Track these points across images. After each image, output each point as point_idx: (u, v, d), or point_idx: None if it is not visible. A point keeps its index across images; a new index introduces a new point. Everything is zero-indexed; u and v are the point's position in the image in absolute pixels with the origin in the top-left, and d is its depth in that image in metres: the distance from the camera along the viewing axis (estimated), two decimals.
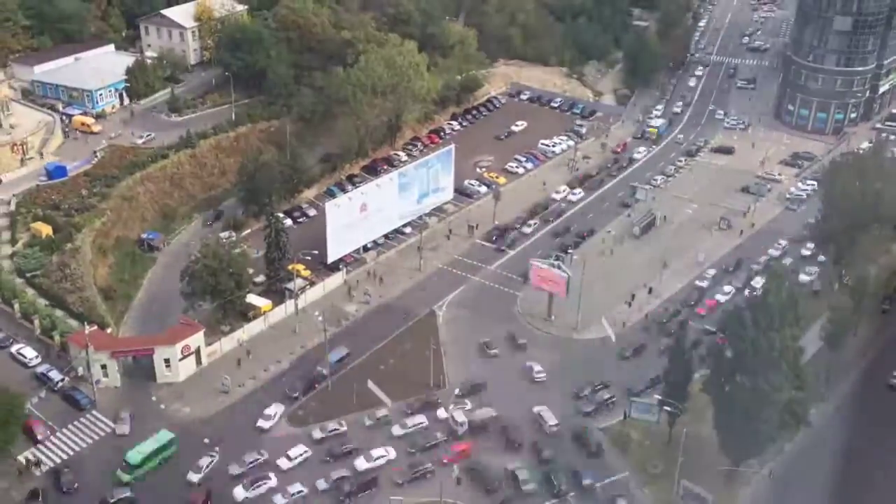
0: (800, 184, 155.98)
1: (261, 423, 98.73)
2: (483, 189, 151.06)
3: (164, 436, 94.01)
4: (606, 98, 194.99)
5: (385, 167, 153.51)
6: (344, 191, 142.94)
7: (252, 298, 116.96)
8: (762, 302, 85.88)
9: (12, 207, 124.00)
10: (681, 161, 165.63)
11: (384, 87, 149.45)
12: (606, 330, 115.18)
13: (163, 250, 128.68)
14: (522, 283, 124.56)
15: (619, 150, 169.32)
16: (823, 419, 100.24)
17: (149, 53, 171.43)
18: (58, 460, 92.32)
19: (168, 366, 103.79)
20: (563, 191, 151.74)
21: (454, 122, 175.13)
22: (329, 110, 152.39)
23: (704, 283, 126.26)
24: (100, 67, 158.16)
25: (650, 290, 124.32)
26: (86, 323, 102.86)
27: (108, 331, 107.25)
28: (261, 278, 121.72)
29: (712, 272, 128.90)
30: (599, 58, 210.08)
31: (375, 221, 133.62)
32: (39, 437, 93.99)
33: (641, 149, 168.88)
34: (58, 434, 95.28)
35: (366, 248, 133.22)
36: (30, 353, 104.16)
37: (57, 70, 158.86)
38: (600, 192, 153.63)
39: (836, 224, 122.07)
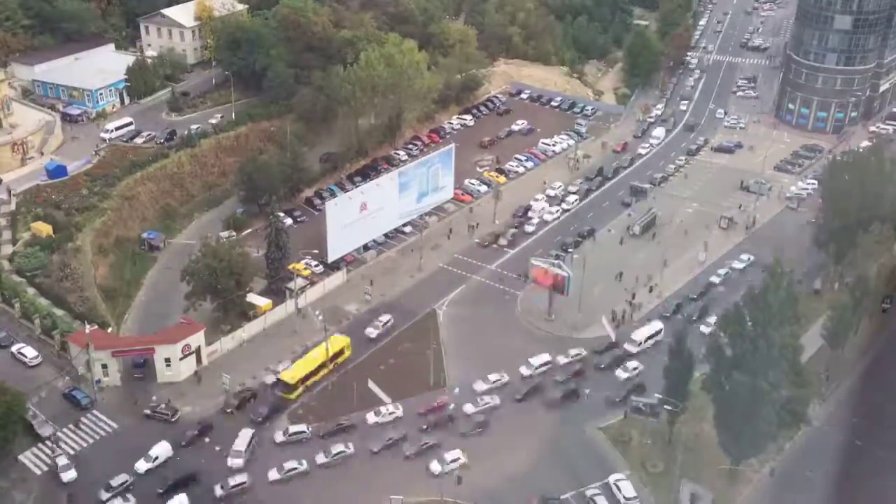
0: (800, 182, 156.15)
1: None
2: (483, 188, 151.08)
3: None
4: (607, 97, 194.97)
5: (385, 166, 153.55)
6: (344, 190, 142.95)
7: (252, 298, 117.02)
8: (761, 300, 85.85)
9: (13, 207, 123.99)
10: (681, 160, 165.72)
11: (384, 86, 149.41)
12: (606, 329, 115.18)
13: (163, 250, 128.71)
14: (523, 283, 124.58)
15: (619, 149, 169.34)
16: (824, 418, 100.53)
17: (149, 53, 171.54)
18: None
19: (169, 365, 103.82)
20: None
21: (454, 121, 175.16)
22: (329, 109, 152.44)
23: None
24: (100, 67, 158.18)
25: (651, 289, 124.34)
26: (86, 322, 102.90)
27: (109, 330, 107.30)
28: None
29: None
30: (599, 57, 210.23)
31: (376, 221, 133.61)
32: None
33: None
34: (58, 433, 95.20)
35: (366, 248, 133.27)
36: (30, 352, 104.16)
37: (57, 69, 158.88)
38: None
39: (836, 223, 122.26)
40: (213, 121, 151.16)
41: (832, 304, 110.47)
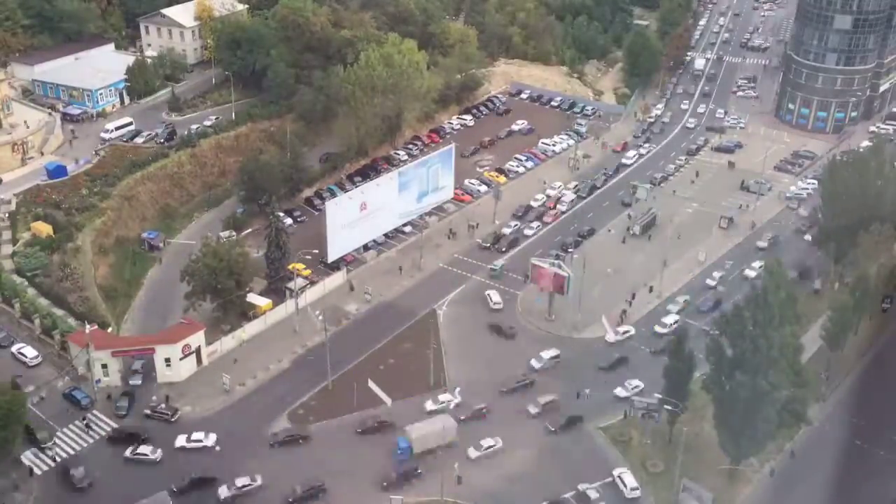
0: (800, 182, 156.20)
1: None
2: (483, 188, 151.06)
3: None
4: (607, 97, 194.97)
5: (385, 166, 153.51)
6: (344, 190, 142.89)
7: (252, 298, 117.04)
8: (761, 300, 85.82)
9: (13, 207, 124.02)
10: (681, 160, 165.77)
11: (384, 86, 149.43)
12: (606, 329, 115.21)
13: (163, 249, 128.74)
14: (523, 283, 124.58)
15: (619, 149, 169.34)
16: (823, 418, 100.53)
17: (149, 53, 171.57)
18: (58, 460, 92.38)
19: (169, 365, 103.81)
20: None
21: (454, 121, 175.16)
22: (329, 109, 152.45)
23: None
24: (100, 67, 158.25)
25: (651, 289, 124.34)
26: (86, 322, 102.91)
27: (109, 330, 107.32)
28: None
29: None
30: (600, 57, 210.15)
31: (375, 220, 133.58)
32: None
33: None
34: (58, 433, 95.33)
35: (366, 248, 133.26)
36: (30, 352, 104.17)
37: (57, 69, 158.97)
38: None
39: (836, 222, 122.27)
40: (209, 122, 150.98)
41: (832, 304, 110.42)
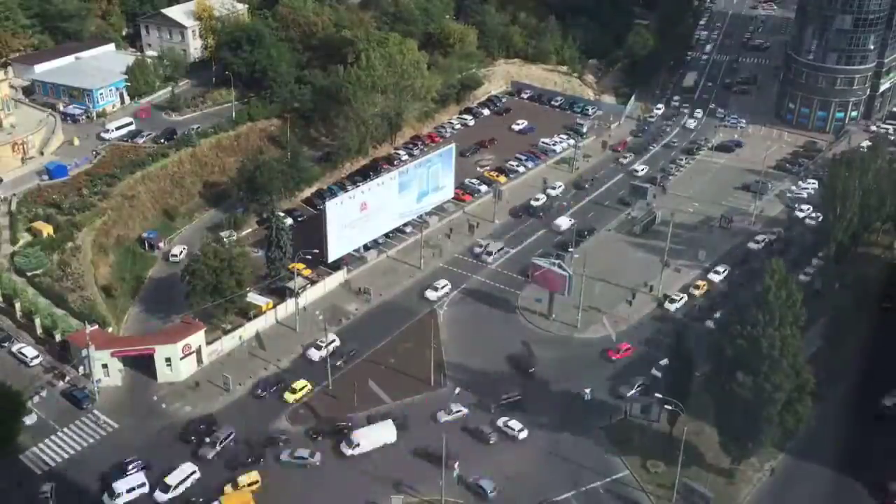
0: (801, 182, 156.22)
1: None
2: (483, 188, 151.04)
3: None
4: (606, 97, 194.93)
5: (385, 166, 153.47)
6: (344, 190, 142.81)
7: (253, 297, 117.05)
8: (762, 300, 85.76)
9: (13, 207, 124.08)
10: (681, 159, 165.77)
11: (385, 86, 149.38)
12: (607, 329, 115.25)
13: (163, 249, 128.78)
14: (523, 282, 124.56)
15: (619, 148, 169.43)
16: (824, 418, 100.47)
17: (149, 52, 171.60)
18: (59, 460, 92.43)
19: (169, 365, 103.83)
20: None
21: (454, 121, 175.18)
22: (330, 109, 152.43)
23: None
24: (100, 66, 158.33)
25: (650, 289, 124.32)
26: (86, 322, 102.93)
27: (109, 329, 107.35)
28: None
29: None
30: (600, 56, 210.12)
31: (376, 220, 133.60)
32: None
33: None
34: (58, 433, 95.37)
35: (366, 247, 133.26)
36: (30, 352, 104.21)
37: (57, 69, 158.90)
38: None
39: (837, 223, 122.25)
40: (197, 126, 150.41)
41: (832, 304, 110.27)
